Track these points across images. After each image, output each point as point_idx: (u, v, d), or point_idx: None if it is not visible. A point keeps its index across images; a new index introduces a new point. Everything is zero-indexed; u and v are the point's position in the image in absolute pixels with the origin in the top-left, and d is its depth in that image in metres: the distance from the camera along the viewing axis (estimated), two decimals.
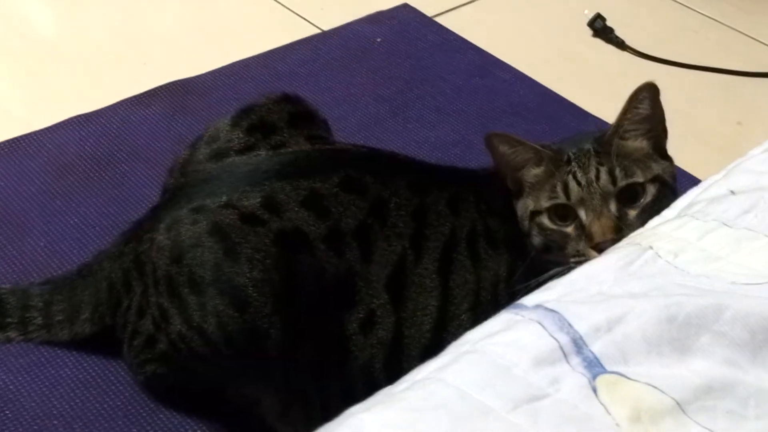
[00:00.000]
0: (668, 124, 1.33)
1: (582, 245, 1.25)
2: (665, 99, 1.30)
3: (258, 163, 1.35)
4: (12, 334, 1.45)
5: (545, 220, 1.29)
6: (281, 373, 1.30)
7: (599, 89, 2.08)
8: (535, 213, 1.30)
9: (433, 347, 1.25)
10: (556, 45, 2.25)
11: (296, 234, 1.28)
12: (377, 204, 1.32)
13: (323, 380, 1.32)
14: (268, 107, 1.46)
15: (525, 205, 1.31)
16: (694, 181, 1.71)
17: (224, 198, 1.29)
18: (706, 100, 2.08)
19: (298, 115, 1.47)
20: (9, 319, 1.45)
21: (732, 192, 1.09)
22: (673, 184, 1.30)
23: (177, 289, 1.26)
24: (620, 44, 2.23)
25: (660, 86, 1.29)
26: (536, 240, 1.30)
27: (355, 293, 1.29)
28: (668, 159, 1.33)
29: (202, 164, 1.41)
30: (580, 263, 1.22)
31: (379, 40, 2.21)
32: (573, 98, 2.04)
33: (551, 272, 1.24)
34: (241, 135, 1.42)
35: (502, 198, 1.35)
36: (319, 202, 1.30)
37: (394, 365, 1.30)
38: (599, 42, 2.26)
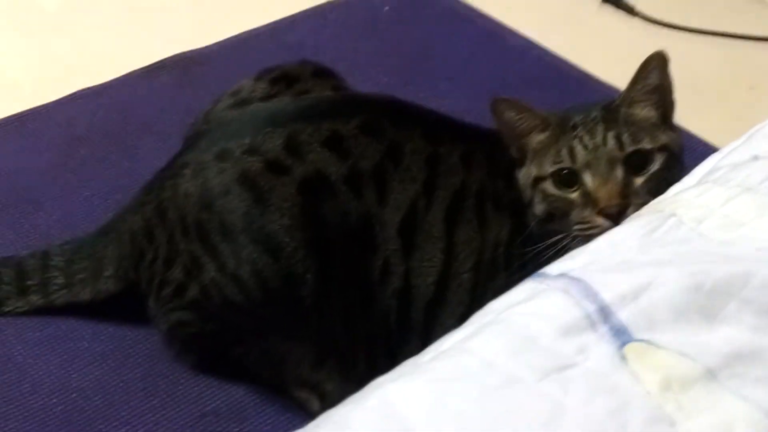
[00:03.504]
0: (680, 91, 1.31)
1: (588, 212, 1.22)
2: (676, 65, 1.29)
3: (281, 106, 1.37)
4: (33, 297, 1.44)
5: (549, 186, 1.26)
6: (312, 323, 1.30)
7: (609, 56, 2.06)
8: (538, 179, 1.27)
9: (435, 301, 1.30)
10: (564, 11, 2.24)
11: (319, 178, 1.28)
12: (393, 147, 1.32)
13: (351, 331, 1.32)
14: (290, 65, 1.49)
15: (528, 173, 1.29)
16: (707, 147, 1.71)
17: (247, 140, 1.29)
18: (718, 66, 2.06)
19: (323, 70, 1.50)
20: (30, 282, 1.44)
21: (755, 157, 1.08)
22: (680, 156, 1.28)
23: (209, 236, 1.27)
24: (630, 10, 2.21)
25: (671, 52, 1.27)
26: (539, 208, 1.28)
27: (374, 237, 1.29)
28: (675, 130, 1.30)
29: (225, 112, 1.43)
30: (584, 231, 1.22)
31: (386, 9, 2.20)
32: (582, 65, 2.03)
33: (553, 239, 1.23)
34: (264, 86, 1.44)
35: (510, 162, 1.34)
36: (339, 144, 1.30)
37: (404, 317, 1.31)
38: (609, 8, 2.24)
